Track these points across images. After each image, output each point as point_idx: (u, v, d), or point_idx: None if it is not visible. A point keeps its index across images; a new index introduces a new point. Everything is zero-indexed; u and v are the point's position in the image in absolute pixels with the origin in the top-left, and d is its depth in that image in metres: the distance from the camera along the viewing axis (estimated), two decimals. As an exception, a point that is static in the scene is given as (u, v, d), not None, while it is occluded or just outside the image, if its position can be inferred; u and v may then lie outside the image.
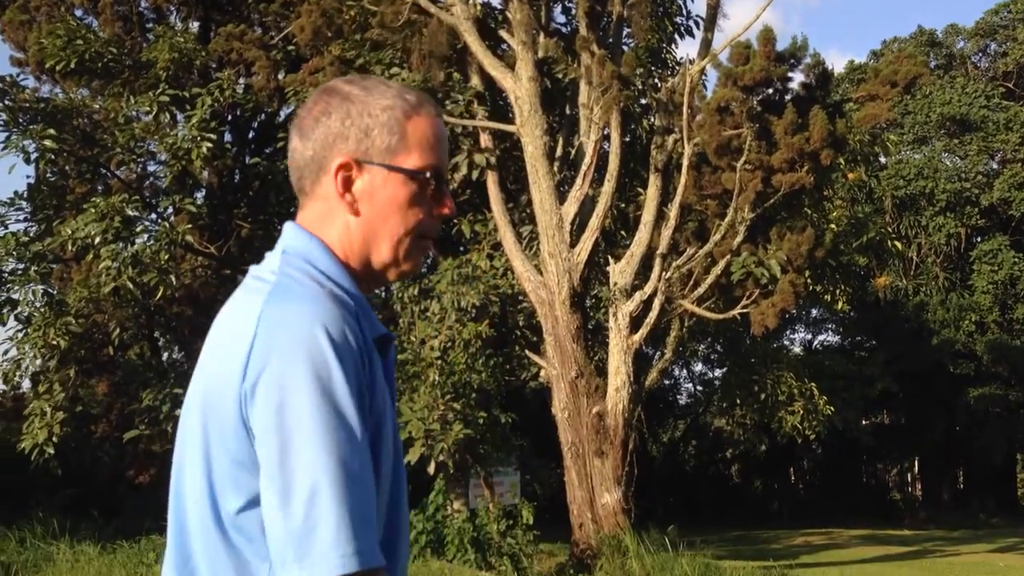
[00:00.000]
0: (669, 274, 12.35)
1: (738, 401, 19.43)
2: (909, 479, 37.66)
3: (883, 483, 36.88)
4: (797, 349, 32.68)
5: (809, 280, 13.71)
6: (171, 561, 1.34)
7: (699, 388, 32.79)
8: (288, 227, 1.43)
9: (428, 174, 1.40)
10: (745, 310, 12.25)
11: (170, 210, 14.73)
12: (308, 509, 1.16)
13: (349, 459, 1.19)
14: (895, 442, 32.39)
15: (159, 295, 13.27)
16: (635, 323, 12.36)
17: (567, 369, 12.25)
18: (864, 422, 30.59)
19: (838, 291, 16.74)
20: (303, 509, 1.17)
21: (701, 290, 12.54)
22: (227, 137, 15.94)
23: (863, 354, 30.99)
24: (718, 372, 30.51)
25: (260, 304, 1.28)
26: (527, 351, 13.61)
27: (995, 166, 31.52)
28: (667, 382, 30.98)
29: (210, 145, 13.23)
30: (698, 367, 32.32)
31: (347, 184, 1.38)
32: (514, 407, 14.13)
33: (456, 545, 10.77)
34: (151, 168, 16.20)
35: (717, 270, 12.29)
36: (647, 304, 12.36)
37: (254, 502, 1.24)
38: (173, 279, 13.53)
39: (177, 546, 1.33)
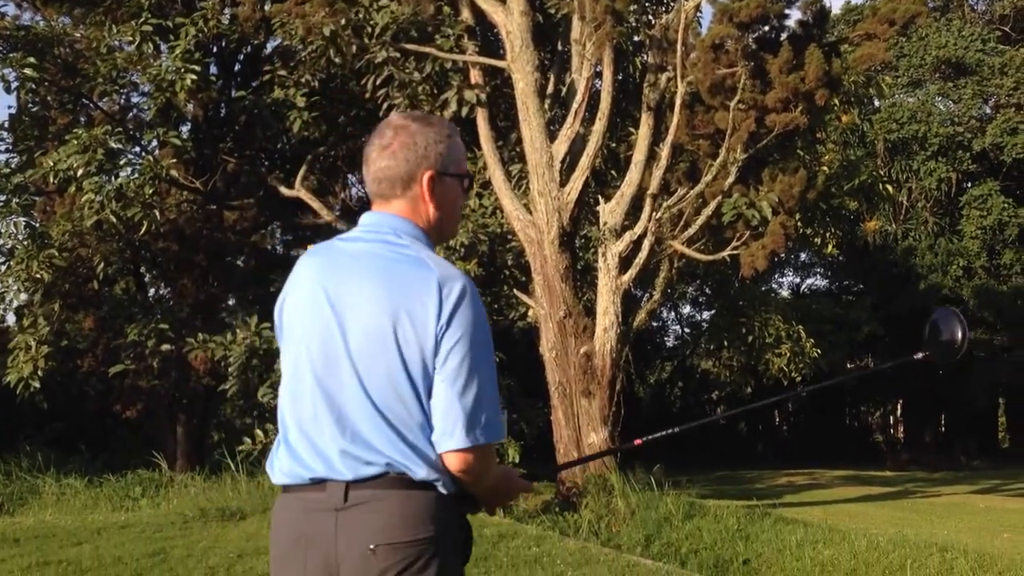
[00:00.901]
0: (659, 214, 12.24)
1: (725, 343, 19.51)
2: (892, 422, 38.12)
3: (866, 425, 37.33)
4: (785, 293, 32.82)
5: (799, 223, 13.63)
6: (330, 432, 1.88)
7: (687, 330, 32.97)
8: (382, 215, 2.03)
9: (469, 177, 2.15)
10: (735, 252, 12.18)
11: (154, 143, 14.47)
12: (476, 404, 1.85)
13: (494, 372, 1.92)
14: (879, 385, 32.65)
15: (143, 230, 13.08)
16: (624, 263, 12.29)
17: (555, 309, 12.21)
18: (849, 365, 30.81)
19: (828, 234, 16.70)
20: (472, 403, 1.85)
21: (691, 231, 12.46)
22: (212, 69, 15.61)
23: (850, 298, 31.11)
24: (706, 314, 30.62)
25: (427, 262, 1.93)
26: (515, 290, 13.56)
27: (988, 111, 31.29)
28: (655, 324, 31.09)
29: (194, 77, 12.93)
30: (686, 309, 32.40)
31: (432, 187, 2.02)
32: (502, 346, 14.08)
33: (443, 482, 10.81)
34: (134, 100, 15.89)
35: (708, 211, 12.18)
36: (637, 244, 12.27)
37: (429, 392, 1.86)
38: (157, 214, 13.34)
39: (336, 422, 1.88)
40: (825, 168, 15.04)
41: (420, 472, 1.85)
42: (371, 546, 1.81)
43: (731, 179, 11.81)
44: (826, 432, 32.19)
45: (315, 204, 14.83)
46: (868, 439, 35.60)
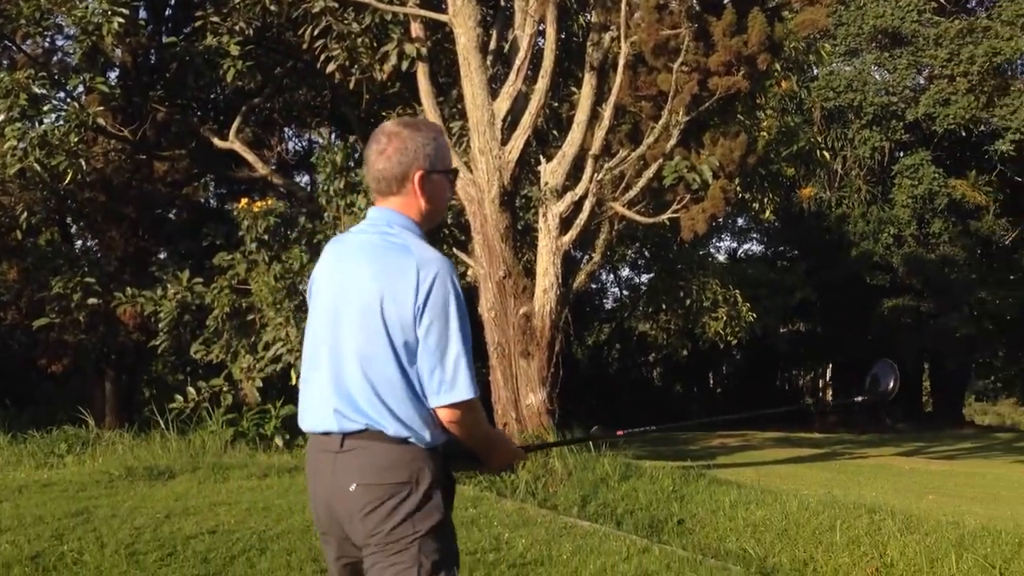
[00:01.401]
0: (601, 176, 12.17)
1: (663, 306, 19.66)
2: (820, 385, 39.01)
3: (797, 388, 38.13)
4: (722, 257, 33.19)
5: (739, 187, 13.69)
6: (328, 391, 2.33)
7: (625, 293, 33.18)
8: (381, 210, 2.43)
9: (454, 172, 2.51)
10: (675, 215, 12.18)
11: (80, 89, 13.90)
12: (455, 367, 2.23)
13: (468, 340, 2.25)
14: (810, 350, 33.35)
15: (69, 179, 12.60)
16: (565, 224, 12.21)
17: (495, 269, 12.10)
18: (782, 330, 31.35)
19: (766, 200, 16.84)
20: (452, 367, 2.23)
21: (632, 193, 12.41)
22: (142, 14, 15.03)
23: (785, 264, 31.58)
24: (645, 277, 30.83)
25: (410, 249, 2.31)
26: (455, 249, 13.40)
27: (922, 81, 31.79)
28: (594, 286, 31.18)
29: (122, 20, 12.37)
30: (625, 272, 32.56)
31: (422, 184, 2.39)
32: (440, 306, 13.99)
33: (378, 442, 10.70)
34: (59, 43, 15.24)
35: (649, 173, 12.14)
36: (578, 205, 12.19)
37: (413, 360, 2.25)
38: (84, 163, 12.84)
39: (334, 383, 2.32)
40: (765, 134, 15.10)
41: (391, 429, 2.26)
42: (352, 486, 2.27)
43: (673, 142, 11.76)
44: (758, 395, 32.79)
45: (250, 157, 14.46)
46: (798, 402, 36.36)
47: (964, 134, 30.64)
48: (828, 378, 37.97)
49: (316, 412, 2.36)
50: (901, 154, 31.77)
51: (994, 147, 30.03)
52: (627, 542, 5.74)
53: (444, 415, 2.28)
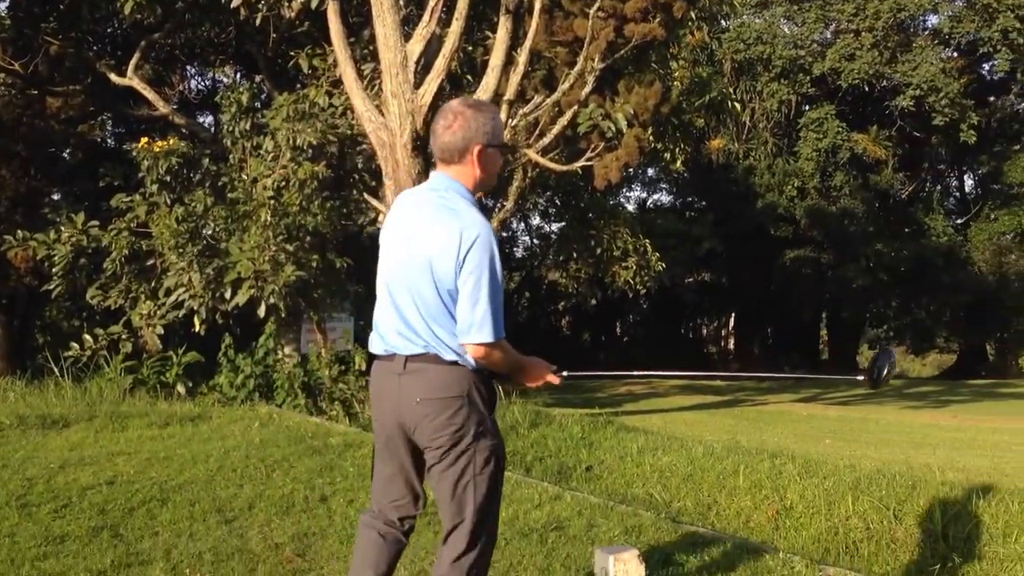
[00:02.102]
0: (515, 122, 12.04)
1: (574, 255, 19.71)
2: (724, 334, 39.99)
3: (701, 337, 39.01)
4: (631, 207, 33.48)
5: (652, 137, 13.74)
6: (392, 319, 2.85)
7: (536, 241, 33.25)
8: (442, 176, 2.86)
9: (506, 147, 3.22)
10: (589, 163, 12.16)
11: (-35, 19, 13.06)
12: (483, 316, 2.68)
13: (500, 291, 2.70)
14: (715, 299, 34.09)
15: (-48, 114, 11.88)
16: (478, 171, 12.08)
17: (406, 215, 11.91)
18: (689, 279, 31.93)
19: (677, 150, 16.96)
20: (480, 315, 2.68)
21: (547, 140, 12.33)
22: (32, -61, 14.13)
23: (693, 214, 32.04)
24: (556, 226, 30.90)
25: (459, 213, 2.73)
26: (366, 195, 13.13)
27: (829, 36, 32.36)
28: (505, 234, 31.15)
29: (10, -54, 11.66)
30: (536, 220, 32.58)
31: (480, 157, 2.82)
32: (350, 252, 13.73)
33: (286, 390, 10.51)
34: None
35: (564, 120, 12.06)
36: (491, 152, 12.06)
37: (454, 303, 2.73)
38: (-31, 97, 12.13)
39: (397, 313, 2.84)
40: (678, 83, 15.16)
41: (447, 355, 2.78)
42: (416, 399, 2.79)
43: (588, 89, 11.69)
44: (663, 343, 33.42)
45: (150, 95, 13.84)
46: (702, 350, 37.23)
47: (867, 89, 31.41)
48: (731, 327, 38.95)
49: (384, 338, 2.89)
50: (807, 108, 32.42)
51: (895, 103, 30.87)
52: (538, 489, 5.76)
53: (471, 351, 2.75)
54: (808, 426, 13.22)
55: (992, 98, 35.58)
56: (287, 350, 12.13)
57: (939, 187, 38.30)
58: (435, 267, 2.74)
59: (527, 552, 4.31)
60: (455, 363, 2.78)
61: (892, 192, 33.66)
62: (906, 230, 33.98)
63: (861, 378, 3.56)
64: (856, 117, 33.12)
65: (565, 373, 3.16)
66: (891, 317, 36.39)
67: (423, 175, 11.97)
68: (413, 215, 2.85)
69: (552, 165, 12.66)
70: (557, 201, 26.45)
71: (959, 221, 36.89)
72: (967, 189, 39.83)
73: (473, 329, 2.71)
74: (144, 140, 11.93)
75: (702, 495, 6.91)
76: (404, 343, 2.82)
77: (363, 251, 17.74)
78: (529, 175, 13.66)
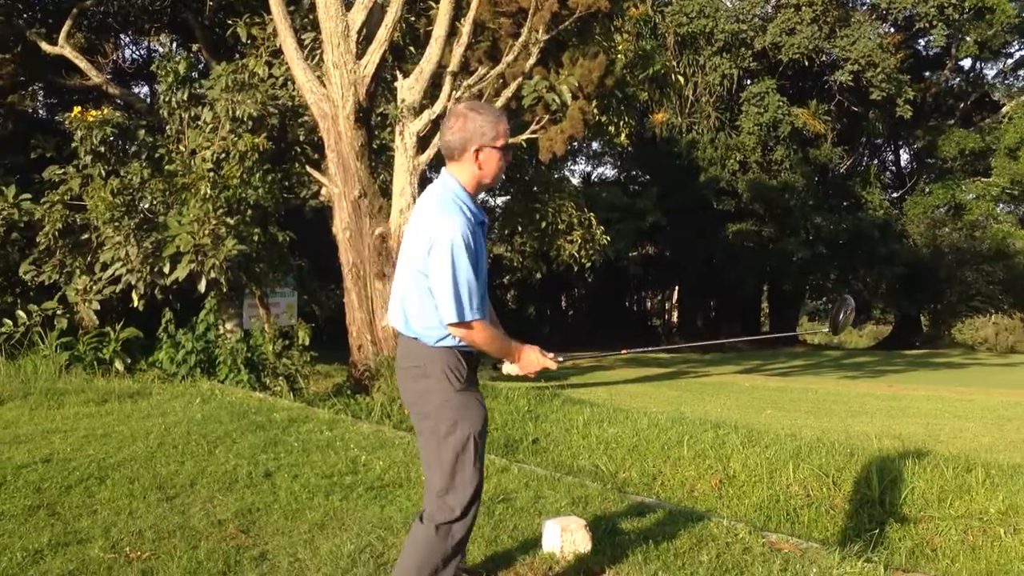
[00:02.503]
0: (459, 94, 11.92)
1: (519, 229, 19.68)
2: (668, 307, 40.40)
3: (645, 310, 39.35)
4: (576, 181, 33.52)
5: (596, 110, 13.73)
6: (394, 297, 3.16)
7: (480, 215, 33.08)
8: (445, 173, 3.14)
9: (503, 148, 3.12)
10: (534, 135, 12.12)
11: None
12: (452, 302, 2.95)
13: (464, 280, 2.95)
14: (659, 272, 34.37)
15: None
16: (422, 143, 11.95)
17: (350, 188, 11.77)
18: (632, 253, 32.13)
19: (622, 123, 16.98)
20: (449, 302, 2.95)
21: (491, 113, 12.25)
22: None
23: (637, 188, 32.21)
24: (500, 200, 30.80)
25: (438, 210, 3.01)
26: (308, 168, 12.94)
27: (770, 10, 32.64)
28: (449, 208, 30.98)
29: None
30: (481, 194, 32.46)
31: (477, 156, 3.08)
32: (293, 226, 13.52)
33: (228, 366, 10.35)
34: None
35: (508, 92, 11.99)
36: (435, 124, 11.94)
37: (423, 287, 3.01)
38: None
39: (395, 297, 3.15)
40: (622, 56, 15.14)
41: (409, 332, 3.11)
42: (400, 366, 3.20)
43: (532, 61, 11.62)
44: (609, 316, 33.64)
45: (82, 64, 13.45)
46: (647, 323, 37.57)
47: (807, 64, 31.77)
48: (675, 300, 39.35)
49: (391, 316, 3.25)
50: (749, 82, 32.70)
51: (834, 77, 31.30)
52: (485, 462, 5.75)
53: (451, 331, 3.01)
54: (750, 397, 13.43)
55: (928, 73, 36.29)
56: (229, 325, 11.94)
57: (876, 161, 39.02)
58: (412, 257, 3.06)
59: (475, 524, 4.30)
60: (415, 339, 3.09)
61: (831, 166, 34.20)
62: (844, 203, 34.59)
63: (826, 330, 3.78)
64: (796, 92, 33.52)
65: (561, 358, 3.26)
66: (829, 289, 37.07)
67: (366, 148, 11.84)
68: (417, 208, 3.18)
69: (497, 138, 12.58)
70: (502, 175, 26.36)
71: (895, 195, 37.67)
72: (903, 163, 40.66)
73: (444, 312, 2.98)
74: (77, 110, 11.59)
75: (647, 466, 6.97)
76: (395, 321, 3.18)
77: (306, 225, 17.54)
78: (474, 148, 13.56)
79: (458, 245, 2.93)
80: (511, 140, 11.39)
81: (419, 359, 3.09)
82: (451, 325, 2.98)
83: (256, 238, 11.42)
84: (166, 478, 5.12)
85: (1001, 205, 36.88)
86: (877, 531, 5.37)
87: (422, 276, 3.01)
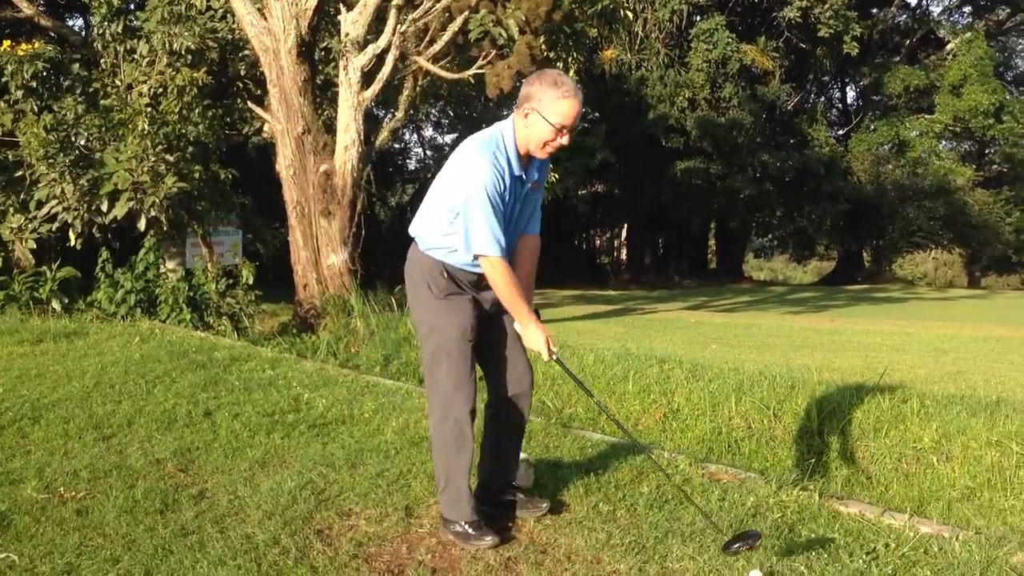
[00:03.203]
0: (404, 28, 11.69)
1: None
2: (616, 245, 40.59)
3: (594, 248, 39.48)
4: (525, 118, 33.19)
5: (544, 45, 13.53)
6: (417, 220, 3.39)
7: (429, 152, 32.80)
8: (511, 117, 3.23)
9: (558, 127, 3.14)
10: (481, 71, 11.94)
11: None
12: (471, 235, 3.14)
13: (478, 217, 3.11)
14: (608, 210, 34.43)
15: None
16: (367, 79, 11.73)
17: (293, 124, 11.54)
18: (582, 191, 32.09)
19: (570, 59, 16.77)
20: (469, 235, 3.14)
21: (437, 47, 12.04)
22: None
23: (586, 125, 32.01)
24: (449, 137, 30.54)
25: (475, 151, 3.18)
26: (250, 103, 12.64)
27: (721, -56, 32.34)
28: (397, 146, 30.62)
29: None
30: (429, 132, 32.08)
31: (527, 115, 3.16)
32: (236, 163, 13.26)
33: (170, 305, 10.19)
34: None
35: (454, 27, 11.78)
36: (380, 59, 11.71)
37: (440, 210, 3.27)
38: None
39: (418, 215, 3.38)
40: (570, -10, 14.88)
41: (412, 232, 3.35)
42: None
43: (479, -7, 11.40)
44: (557, 254, 33.68)
45: (11, -7, 12.90)
46: (595, 261, 37.73)
47: (756, 0, 31.65)
48: (623, 238, 39.54)
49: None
50: (698, 18, 32.49)
51: (782, 14, 31.24)
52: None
53: (479, 261, 3.20)
54: (696, 332, 13.57)
55: (875, 10, 36.38)
56: (171, 264, 11.73)
57: (823, 99, 39.24)
58: (441, 174, 3.29)
59: (418, 460, 4.31)
60: (414, 241, 3.35)
61: (779, 103, 34.30)
62: (791, 141, 34.81)
63: None
64: (745, 28, 33.41)
65: (556, 356, 3.31)
66: (775, 226, 37.50)
67: (309, 83, 11.60)
68: (470, 138, 3.30)
69: (443, 73, 12.39)
70: (450, 112, 26.07)
71: (841, 132, 37.99)
72: (849, 101, 40.97)
73: (466, 245, 3.17)
74: (7, 43, 11.17)
75: (592, 401, 7.02)
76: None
77: (249, 162, 17.21)
78: (420, 83, 13.34)
79: (476, 189, 3.08)
80: (458, 75, 11.20)
81: (409, 261, 3.34)
82: (475, 256, 3.18)
83: (197, 175, 11.18)
84: (102, 418, 5.04)
85: (943, 142, 37.42)
86: (814, 460, 5.48)
87: (438, 188, 3.25)
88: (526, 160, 3.25)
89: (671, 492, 3.78)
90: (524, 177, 3.25)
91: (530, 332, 3.28)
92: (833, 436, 5.93)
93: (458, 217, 3.17)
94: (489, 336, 3.46)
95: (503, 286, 3.18)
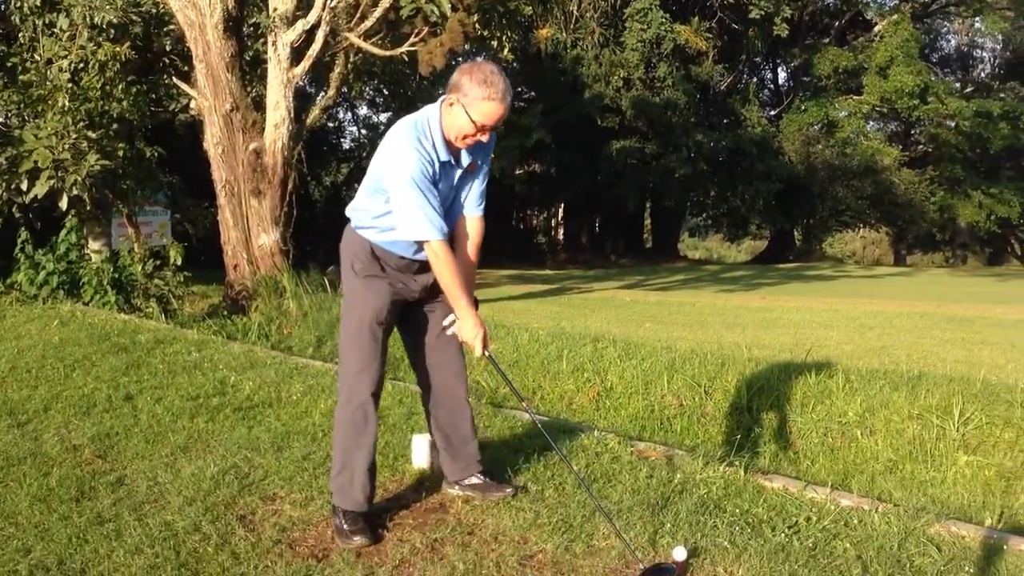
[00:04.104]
0: (334, 3, 11.48)
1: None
2: (553, 224, 40.68)
3: (530, 228, 39.51)
4: (460, 96, 33.00)
5: (478, 23, 13.41)
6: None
7: (364, 132, 32.41)
8: (438, 102, 3.17)
9: (479, 125, 3.08)
10: (413, 48, 11.79)
11: None
12: (402, 218, 3.08)
13: (408, 200, 3.05)
14: (544, 190, 34.44)
15: None
16: (296, 55, 11.50)
17: (221, 101, 11.26)
18: (518, 171, 32.05)
19: (504, 38, 16.68)
20: (400, 217, 3.09)
21: (368, 24, 11.84)
22: None
23: (522, 105, 31.93)
24: (384, 116, 30.21)
25: (401, 133, 3.13)
26: (176, 79, 12.32)
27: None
28: (331, 124, 30.19)
29: None
30: (363, 110, 31.70)
31: (450, 105, 3.09)
32: (162, 141, 12.94)
33: (94, 287, 9.90)
34: None
35: (386, 3, 11.59)
36: (310, 35, 11.48)
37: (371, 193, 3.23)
38: None
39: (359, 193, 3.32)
40: (504, -33, 14.77)
41: (353, 224, 3.29)
42: None
43: (410, -31, 11.23)
44: (494, 234, 33.53)
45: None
46: (532, 240, 37.77)
47: (690, -20, 31.86)
48: (560, 217, 39.63)
49: None
50: (633, -3, 32.57)
51: (716, -5, 31.50)
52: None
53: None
54: (630, 311, 13.67)
55: (805, -8, 36.89)
56: (96, 245, 11.42)
57: (755, 79, 39.70)
58: (374, 158, 3.21)
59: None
60: (354, 230, 3.29)
61: (712, 84, 34.63)
62: (724, 121, 35.19)
63: None
64: (679, 8, 33.62)
65: (488, 354, 3.26)
66: (709, 206, 37.93)
67: (237, 59, 11.33)
68: (397, 124, 3.22)
69: (375, 50, 12.21)
70: (384, 90, 25.76)
71: (772, 112, 38.51)
72: (780, 81, 41.53)
73: (400, 228, 3.13)
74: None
75: (527, 380, 7.03)
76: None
77: (176, 140, 16.81)
78: (352, 61, 13.13)
79: (403, 176, 3.03)
80: (390, 52, 11.02)
81: (343, 240, 3.32)
82: (414, 240, 3.15)
83: (122, 153, 10.88)
84: (17, 403, 4.87)
85: (871, 123, 38.21)
86: (740, 436, 5.55)
87: (371, 170, 3.19)
88: (455, 145, 3.17)
89: (599, 471, 3.78)
90: (453, 162, 3.18)
91: (467, 324, 3.21)
92: (762, 412, 6.02)
93: (389, 201, 3.12)
94: (418, 322, 3.42)
95: (446, 275, 3.12)
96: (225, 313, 10.88)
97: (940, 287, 21.53)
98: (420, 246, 3.16)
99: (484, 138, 3.11)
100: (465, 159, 3.23)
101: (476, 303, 3.27)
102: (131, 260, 10.64)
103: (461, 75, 3.08)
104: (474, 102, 3.04)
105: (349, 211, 3.33)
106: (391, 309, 3.27)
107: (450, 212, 3.23)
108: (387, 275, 3.28)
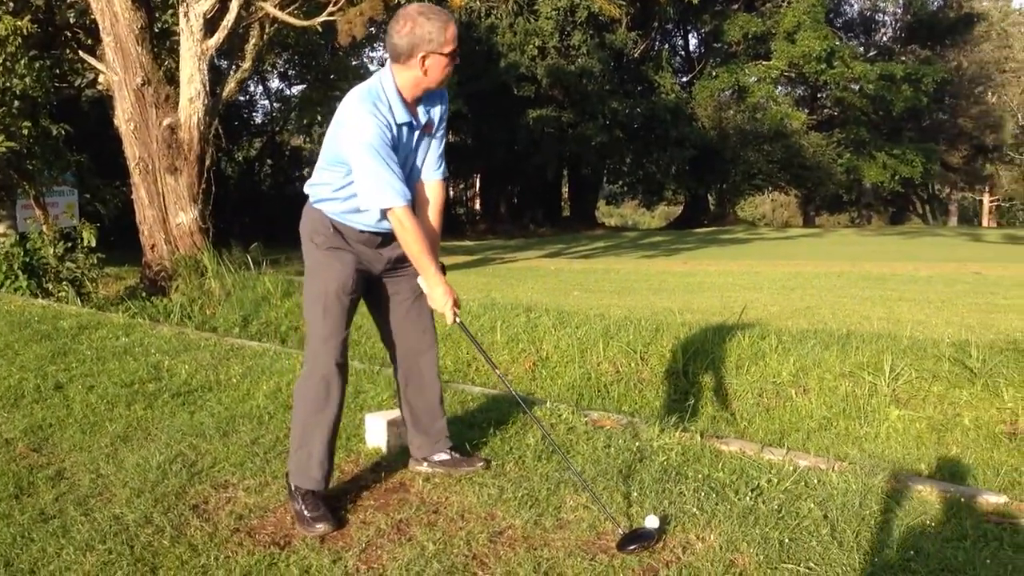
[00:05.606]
0: (247, -28, 11.14)
1: (318, 118, 18.96)
2: (471, 195, 40.56)
3: (448, 199, 39.31)
4: (375, 68, 32.52)
5: (394, -9, 13.19)
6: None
7: (276, 105, 31.66)
8: (385, 71, 3.11)
9: (453, 54, 3.06)
10: (331, 18, 11.53)
11: None
12: (361, 187, 3.04)
13: (369, 168, 3.02)
14: (462, 160, 34.25)
15: None
16: (210, 26, 11.14)
17: (131, 75, 10.85)
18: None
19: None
20: (360, 186, 3.05)
21: (283, -7, 11.54)
22: None
23: (437, 74, 31.61)
24: (296, 89, 29.53)
25: (355, 102, 3.07)
26: (82, 53, 11.82)
27: None
28: (243, 98, 29.43)
29: None
30: (275, 83, 30.96)
31: (423, 62, 3.03)
32: (69, 118, 12.43)
33: (4, 272, 9.50)
34: None
35: (301, -29, 11.31)
36: (223, 5, 11.13)
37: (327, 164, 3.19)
38: None
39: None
40: (419, -65, 14.55)
41: (312, 200, 3.25)
42: None
43: (325, -63, 10.97)
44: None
45: None
46: (450, 212, 37.59)
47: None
48: (478, 188, 39.52)
49: None
50: (546, -35, 32.44)
51: (627, -39, 31.59)
52: (298, 359, 5.55)
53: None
54: (557, 280, 13.70)
55: (714, -42, 37.27)
56: (1, 228, 10.94)
57: (667, 46, 40.07)
58: (329, 134, 3.17)
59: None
60: (309, 202, 3.26)
61: (626, 51, 34.81)
62: (639, 88, 35.46)
63: None
64: (591, -25, 33.61)
65: (458, 320, 3.18)
66: (626, 172, 38.27)
67: (147, 31, 10.94)
68: (347, 96, 3.15)
69: (292, 20, 11.90)
70: (297, 62, 25.17)
71: (685, 79, 38.95)
72: (692, 48, 42.00)
73: (362, 201, 3.09)
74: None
75: (461, 353, 6.99)
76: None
77: (83, 116, 16.17)
78: (266, 31, 12.78)
79: (361, 143, 2.99)
80: (308, 22, 10.81)
81: (302, 217, 3.27)
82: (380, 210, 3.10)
83: (26, 132, 10.43)
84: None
85: (780, 88, 38.96)
86: (692, 402, 5.63)
87: (326, 144, 3.16)
88: (413, 105, 3.13)
89: (558, 440, 3.78)
90: (414, 122, 3.14)
91: (436, 292, 3.16)
92: (698, 376, 6.11)
93: (349, 173, 3.07)
94: (386, 299, 3.38)
95: (412, 242, 3.07)
96: (143, 295, 10.56)
97: (851, 247, 22.18)
98: (383, 215, 3.09)
99: (454, 64, 3.07)
100: (423, 116, 3.18)
101: (444, 269, 3.21)
102: (41, 243, 10.24)
103: (408, 34, 3.00)
104: (441, 38, 3.00)
105: (307, 188, 3.26)
106: (356, 279, 3.21)
107: (409, 177, 3.17)
108: (351, 248, 3.22)
